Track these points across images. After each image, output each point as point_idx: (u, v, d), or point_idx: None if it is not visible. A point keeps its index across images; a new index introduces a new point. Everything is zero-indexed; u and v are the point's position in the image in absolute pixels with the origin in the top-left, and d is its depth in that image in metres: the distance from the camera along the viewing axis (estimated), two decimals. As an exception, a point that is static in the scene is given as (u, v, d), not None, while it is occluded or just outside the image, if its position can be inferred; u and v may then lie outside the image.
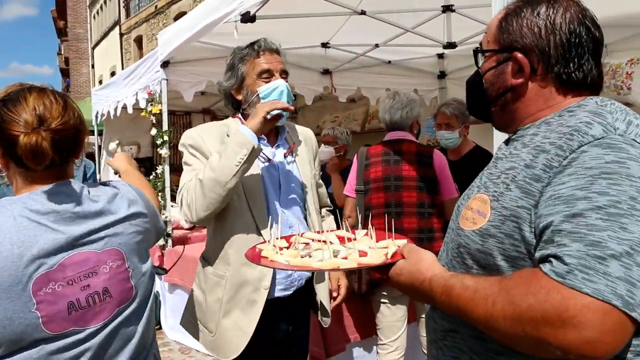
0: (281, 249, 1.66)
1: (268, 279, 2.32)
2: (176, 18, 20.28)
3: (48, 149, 1.41)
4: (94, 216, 1.54)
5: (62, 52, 39.77)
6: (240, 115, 2.50)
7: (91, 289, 1.48)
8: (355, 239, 1.70)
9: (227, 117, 8.19)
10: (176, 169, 8.40)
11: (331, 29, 5.16)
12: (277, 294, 2.38)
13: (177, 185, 6.41)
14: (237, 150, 2.14)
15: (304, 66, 5.92)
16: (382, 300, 3.30)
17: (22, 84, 1.54)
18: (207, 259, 2.47)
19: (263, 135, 2.33)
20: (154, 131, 5.21)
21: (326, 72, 6.16)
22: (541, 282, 1.02)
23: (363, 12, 4.41)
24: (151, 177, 5.32)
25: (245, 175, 2.25)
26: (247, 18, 3.63)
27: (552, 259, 1.04)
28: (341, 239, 1.72)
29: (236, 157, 2.13)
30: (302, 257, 1.56)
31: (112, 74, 27.35)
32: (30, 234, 1.42)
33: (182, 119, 9.19)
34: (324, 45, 5.53)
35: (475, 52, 1.48)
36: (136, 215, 1.66)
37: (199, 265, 2.55)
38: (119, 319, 1.55)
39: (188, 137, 2.40)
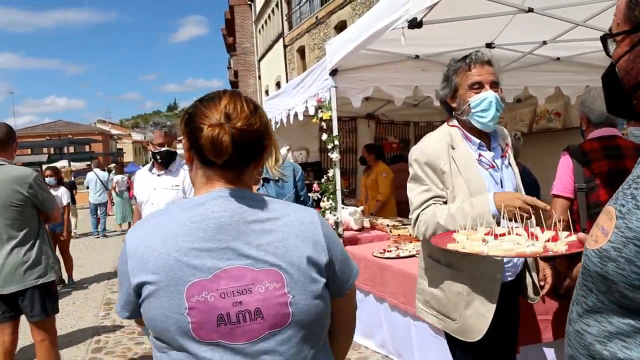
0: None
1: (501, 270, 2.62)
2: (336, 27, 20.86)
3: (228, 143, 1.44)
4: (257, 232, 1.50)
5: (232, 66, 42.53)
6: (458, 124, 2.77)
7: (243, 306, 1.43)
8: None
9: (391, 122, 8.43)
10: (344, 173, 8.69)
11: (495, 28, 5.10)
12: (505, 279, 2.68)
13: (347, 187, 6.76)
14: (479, 222, 2.37)
15: (469, 68, 5.90)
16: None
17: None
18: (437, 259, 2.77)
19: (482, 142, 2.70)
20: (324, 136, 5.49)
21: (492, 72, 6.07)
22: None
23: (530, 10, 4.32)
24: (322, 180, 5.61)
25: (472, 180, 2.59)
26: (414, 24, 3.73)
27: None
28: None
29: (473, 223, 2.38)
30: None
31: (277, 83, 28.72)
32: (190, 238, 1.45)
33: (347, 124, 9.49)
34: (489, 45, 5.47)
35: (604, 38, 1.29)
36: (309, 246, 1.54)
37: (426, 264, 2.88)
38: (271, 341, 1.47)
39: (423, 153, 2.70)
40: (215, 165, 1.51)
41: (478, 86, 2.65)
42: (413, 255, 4.62)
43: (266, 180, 2.94)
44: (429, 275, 2.84)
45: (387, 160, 8.42)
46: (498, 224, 2.37)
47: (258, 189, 2.87)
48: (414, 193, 2.70)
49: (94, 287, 9.05)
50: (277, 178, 2.92)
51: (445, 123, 2.85)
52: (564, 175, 3.26)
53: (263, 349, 1.46)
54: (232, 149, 1.45)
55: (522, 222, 2.31)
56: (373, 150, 7.86)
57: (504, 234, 2.28)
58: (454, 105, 2.75)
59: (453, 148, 2.68)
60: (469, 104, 2.65)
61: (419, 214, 2.64)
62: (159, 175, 4.40)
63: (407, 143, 10.11)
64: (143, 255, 1.47)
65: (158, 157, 4.34)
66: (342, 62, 5.32)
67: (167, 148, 4.35)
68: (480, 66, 2.67)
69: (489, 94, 2.63)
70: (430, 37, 4.86)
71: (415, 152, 2.73)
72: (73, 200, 15.28)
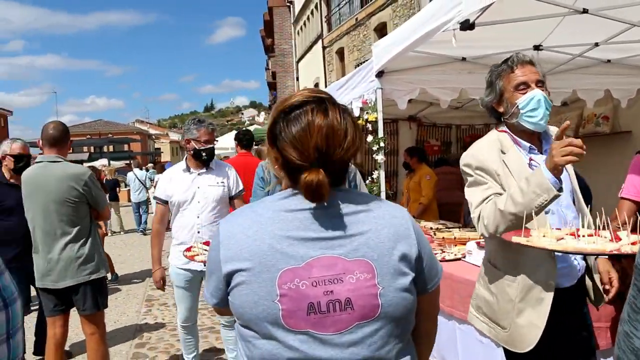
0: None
1: (554, 277, 2.52)
2: (376, 29, 20.82)
3: (326, 187, 1.44)
4: (349, 223, 1.51)
5: (270, 67, 42.77)
6: (507, 129, 2.71)
7: (334, 295, 1.44)
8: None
9: (433, 124, 8.33)
10: (385, 175, 8.61)
11: (544, 30, 5.00)
12: (563, 285, 2.59)
13: (389, 190, 6.68)
14: (538, 193, 2.29)
15: (515, 70, 5.82)
16: None
17: (306, 97, 1.54)
18: (495, 264, 2.71)
19: (532, 145, 2.63)
20: (369, 138, 5.49)
21: (539, 74, 5.97)
22: None
23: (585, 11, 4.22)
24: (367, 182, 5.60)
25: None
26: (467, 26, 3.69)
27: None
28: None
29: (537, 200, 2.30)
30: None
31: (316, 85, 28.75)
32: (284, 227, 1.48)
33: (389, 126, 9.36)
34: (537, 47, 5.37)
35: None
36: (400, 238, 1.55)
37: (484, 268, 2.83)
38: (358, 332, 1.46)
39: (474, 159, 2.64)
40: None
41: (524, 86, 2.59)
42: (459, 259, 4.57)
43: None
44: (485, 280, 2.78)
45: (430, 163, 8.37)
46: (561, 190, 2.29)
47: None
48: (473, 194, 2.63)
49: (134, 283, 9.24)
50: None
51: (494, 129, 2.80)
52: (636, 179, 3.19)
53: (351, 340, 1.45)
54: (330, 187, 1.46)
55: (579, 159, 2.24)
56: (415, 153, 7.81)
57: (590, 235, 2.24)
58: (501, 110, 2.70)
59: (503, 153, 2.62)
60: (517, 106, 2.59)
61: (480, 210, 2.56)
62: (199, 174, 4.39)
63: (449, 146, 10.02)
64: (237, 243, 1.50)
65: (204, 155, 4.32)
66: (388, 64, 5.30)
67: (212, 146, 4.38)
68: (523, 66, 2.61)
69: (536, 93, 2.56)
70: (477, 38, 4.79)
71: (467, 158, 2.68)
72: (116, 198, 15.71)
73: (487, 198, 2.55)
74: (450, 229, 5.75)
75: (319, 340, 1.44)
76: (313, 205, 1.50)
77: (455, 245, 5.05)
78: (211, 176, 4.41)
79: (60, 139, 4.12)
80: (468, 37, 4.17)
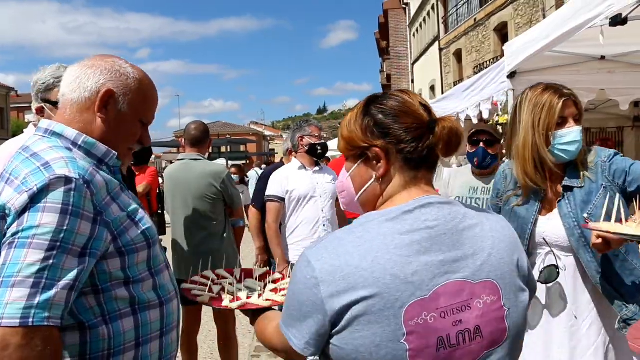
0: None
1: None
2: (496, 29, 20.19)
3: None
4: (469, 239, 1.36)
5: (384, 70, 42.72)
6: None
7: (463, 325, 1.29)
8: None
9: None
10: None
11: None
12: None
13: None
14: None
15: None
16: None
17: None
18: None
19: None
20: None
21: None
22: None
23: None
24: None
25: None
26: (618, 21, 3.44)
27: None
28: None
29: None
30: None
31: (432, 87, 28.37)
32: (403, 253, 1.29)
33: (514, 129, 9.07)
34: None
35: None
36: (514, 251, 1.43)
37: None
38: None
39: None
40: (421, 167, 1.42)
41: None
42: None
43: (569, 188, 2.51)
44: None
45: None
46: None
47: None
48: None
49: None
50: (582, 185, 2.49)
51: None
52: None
53: None
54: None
55: None
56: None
57: None
58: None
59: None
60: None
61: None
62: (314, 171, 4.51)
63: (577, 150, 9.47)
64: (347, 275, 1.27)
65: (319, 148, 4.45)
66: (521, 65, 5.08)
67: (325, 141, 4.57)
68: None
69: None
70: (617, 35, 4.46)
71: None
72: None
73: None
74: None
75: None
76: (432, 223, 1.33)
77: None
78: (324, 174, 4.56)
79: (201, 139, 4.32)
80: (608, 34, 3.89)
